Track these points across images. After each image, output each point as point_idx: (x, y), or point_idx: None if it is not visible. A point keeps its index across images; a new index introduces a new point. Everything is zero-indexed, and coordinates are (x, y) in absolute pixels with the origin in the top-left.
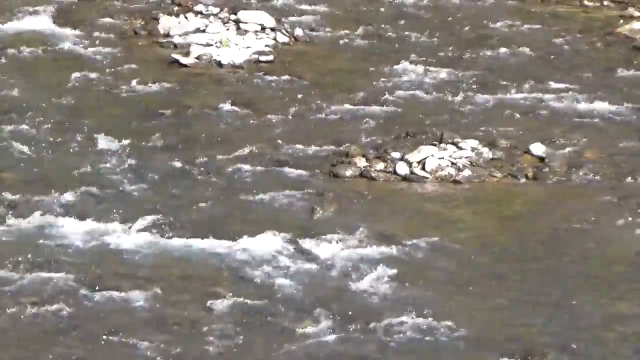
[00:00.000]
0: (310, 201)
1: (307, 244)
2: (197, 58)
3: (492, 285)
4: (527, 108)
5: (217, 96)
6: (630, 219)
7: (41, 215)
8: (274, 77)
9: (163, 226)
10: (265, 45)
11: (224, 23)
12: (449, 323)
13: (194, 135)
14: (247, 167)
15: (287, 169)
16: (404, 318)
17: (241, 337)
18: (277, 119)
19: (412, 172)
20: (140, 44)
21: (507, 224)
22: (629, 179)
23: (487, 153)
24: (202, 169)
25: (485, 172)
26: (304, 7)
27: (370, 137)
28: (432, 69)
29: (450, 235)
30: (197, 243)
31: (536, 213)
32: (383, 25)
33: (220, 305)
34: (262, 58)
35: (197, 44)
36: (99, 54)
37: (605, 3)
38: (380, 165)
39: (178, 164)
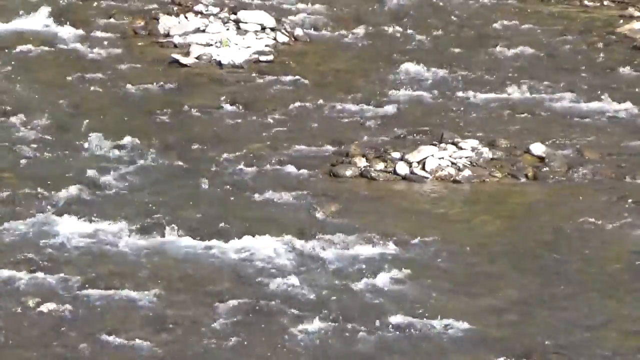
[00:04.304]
0: (310, 201)
1: (306, 244)
2: (197, 58)
3: (492, 285)
4: (527, 108)
5: (217, 96)
6: (630, 218)
7: (41, 215)
8: (274, 77)
9: (163, 226)
10: (265, 45)
11: (224, 23)
12: (449, 323)
13: (194, 135)
14: (247, 167)
15: (287, 169)
16: (404, 318)
17: (241, 337)
18: (278, 119)
19: (412, 172)
20: (140, 44)
21: (507, 223)
22: (629, 179)
23: (487, 153)
24: (201, 168)
25: (485, 172)
26: (304, 7)
27: (370, 137)
28: (432, 69)
29: (450, 235)
30: (197, 243)
31: (536, 213)
32: (383, 25)
33: (220, 305)
34: (262, 58)
35: (197, 44)
36: (99, 54)
37: (605, 3)
38: (380, 165)
39: (178, 164)
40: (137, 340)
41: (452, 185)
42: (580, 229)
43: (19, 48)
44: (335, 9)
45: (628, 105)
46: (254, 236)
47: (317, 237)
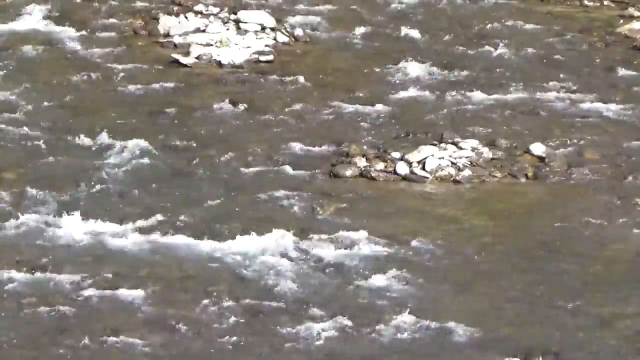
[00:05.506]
0: (310, 201)
1: (307, 243)
2: (197, 58)
3: (492, 285)
4: (527, 108)
5: (217, 96)
6: (630, 219)
7: (41, 215)
8: (274, 77)
9: (163, 226)
10: (265, 45)
11: (224, 23)
12: (449, 323)
13: (194, 135)
14: (247, 167)
15: (287, 169)
16: (404, 318)
17: (241, 337)
18: (277, 119)
19: (412, 172)
20: (140, 44)
21: (507, 223)
22: (629, 179)
23: (487, 153)
24: (202, 169)
25: (485, 172)
26: (304, 7)
27: (370, 137)
28: (432, 69)
29: (450, 235)
30: (197, 243)
31: (536, 213)
32: (383, 25)
33: (220, 305)
34: (262, 58)
35: (197, 44)
36: (99, 53)
37: (605, 3)
38: (380, 165)
39: (178, 164)
40: (137, 340)
41: (452, 185)
42: (580, 229)
43: (19, 48)
44: (335, 9)
45: (628, 105)
46: (253, 236)
47: (317, 237)
